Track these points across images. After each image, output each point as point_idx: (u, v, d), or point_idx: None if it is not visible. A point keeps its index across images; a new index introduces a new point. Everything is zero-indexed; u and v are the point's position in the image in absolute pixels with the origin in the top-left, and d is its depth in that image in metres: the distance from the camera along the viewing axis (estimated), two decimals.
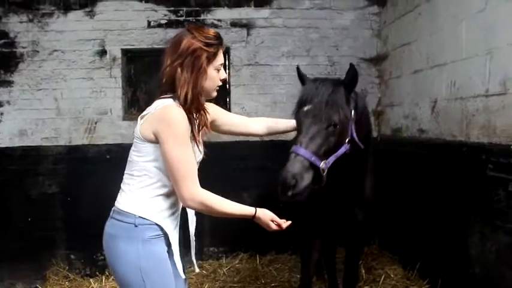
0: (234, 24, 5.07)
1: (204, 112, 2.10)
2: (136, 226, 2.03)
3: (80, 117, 4.92)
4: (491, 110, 3.16)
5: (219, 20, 5.05)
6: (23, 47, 4.84)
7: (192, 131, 2.03)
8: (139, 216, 2.04)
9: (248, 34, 5.07)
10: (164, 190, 2.09)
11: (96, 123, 4.94)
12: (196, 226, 2.35)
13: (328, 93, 2.54)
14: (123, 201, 2.12)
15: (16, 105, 4.85)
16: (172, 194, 2.11)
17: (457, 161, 3.52)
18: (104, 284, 4.48)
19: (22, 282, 4.73)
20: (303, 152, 2.34)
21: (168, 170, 1.99)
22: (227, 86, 5.15)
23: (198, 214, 2.27)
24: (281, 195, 2.30)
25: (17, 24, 4.82)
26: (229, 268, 4.64)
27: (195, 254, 2.37)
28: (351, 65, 2.66)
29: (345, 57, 5.14)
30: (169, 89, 2.04)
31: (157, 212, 2.08)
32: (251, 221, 2.12)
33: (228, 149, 4.45)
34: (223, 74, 2.13)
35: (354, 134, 2.57)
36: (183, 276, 2.16)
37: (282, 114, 4.96)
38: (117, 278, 2.13)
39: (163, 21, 5.00)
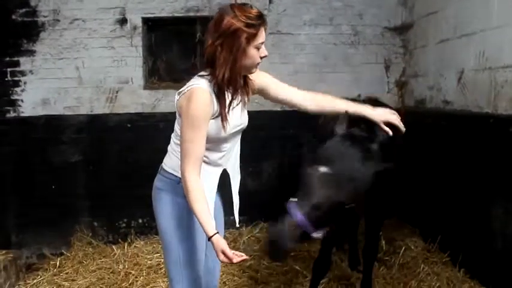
0: None
1: (242, 90, 2.17)
2: (178, 183, 2.17)
3: (101, 87, 4.93)
4: None
5: None
6: (44, 16, 4.83)
7: (221, 109, 2.08)
8: (180, 177, 2.16)
9: (270, 2, 4.96)
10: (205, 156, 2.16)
11: (117, 92, 4.95)
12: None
13: (350, 163, 2.22)
14: (168, 162, 2.29)
15: (38, 75, 4.88)
16: (209, 159, 2.20)
17: (482, 133, 3.44)
18: (126, 250, 4.56)
19: (48, 248, 4.86)
20: (300, 219, 2.16)
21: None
22: None
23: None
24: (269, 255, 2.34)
25: None
26: (249, 237, 4.69)
27: (238, 210, 2.42)
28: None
29: (368, 26, 5.02)
30: (209, 66, 2.09)
31: None
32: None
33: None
34: (263, 52, 2.12)
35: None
36: (215, 231, 2.18)
37: (304, 84, 4.88)
38: (158, 228, 2.32)
39: None
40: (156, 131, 4.84)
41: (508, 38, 3.19)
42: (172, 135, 2.30)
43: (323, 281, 3.57)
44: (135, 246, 4.68)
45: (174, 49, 5.23)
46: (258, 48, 2.08)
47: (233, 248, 4.34)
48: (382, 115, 2.36)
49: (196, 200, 2.04)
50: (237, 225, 2.47)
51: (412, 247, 4.29)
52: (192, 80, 2.13)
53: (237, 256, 2.00)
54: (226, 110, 2.10)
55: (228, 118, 2.11)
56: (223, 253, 1.99)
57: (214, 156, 2.22)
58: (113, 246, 4.68)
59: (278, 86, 2.45)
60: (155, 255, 4.39)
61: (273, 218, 4.98)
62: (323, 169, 2.21)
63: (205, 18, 4.98)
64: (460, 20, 3.86)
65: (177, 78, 5.13)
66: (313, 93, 2.49)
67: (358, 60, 5.01)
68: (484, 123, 3.41)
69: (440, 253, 4.10)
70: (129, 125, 4.95)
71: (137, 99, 4.96)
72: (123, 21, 4.91)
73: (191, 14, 4.95)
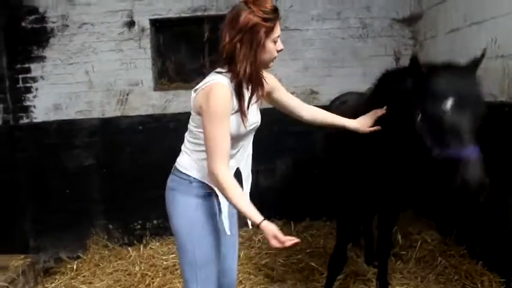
0: None
1: (262, 86, 2.17)
2: (191, 182, 2.21)
3: (111, 90, 4.96)
4: None
5: None
6: (53, 22, 4.86)
7: (240, 105, 2.08)
8: (193, 177, 2.21)
9: None
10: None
11: (127, 94, 4.97)
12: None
13: (473, 85, 2.26)
14: (181, 162, 2.28)
15: (50, 80, 4.92)
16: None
17: (497, 122, 3.38)
18: (141, 252, 4.59)
19: (65, 251, 4.92)
20: (477, 152, 2.20)
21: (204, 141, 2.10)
22: None
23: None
24: (474, 200, 2.21)
25: None
26: (263, 235, 4.67)
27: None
28: (484, 50, 2.39)
29: (376, 18, 4.97)
30: (227, 63, 2.08)
31: (205, 173, 2.18)
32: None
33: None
34: (280, 46, 2.12)
35: None
36: (228, 233, 2.28)
37: (314, 79, 4.89)
38: (172, 228, 2.31)
39: None
40: (167, 131, 4.87)
41: None
42: (186, 134, 2.30)
43: (339, 277, 3.54)
44: (150, 247, 4.71)
45: (182, 50, 5.23)
46: (274, 42, 2.09)
47: (248, 246, 4.39)
48: (363, 124, 2.54)
49: (234, 194, 2.03)
50: (250, 226, 2.45)
51: (429, 240, 4.25)
52: (208, 76, 2.13)
53: (289, 240, 1.98)
54: (246, 105, 2.11)
55: (247, 114, 2.12)
56: (275, 238, 1.99)
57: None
58: (129, 248, 4.71)
59: (281, 90, 2.51)
60: (171, 256, 4.40)
61: (286, 216, 4.94)
62: (457, 102, 2.15)
63: (212, 17, 4.99)
64: (470, 8, 3.80)
65: (187, 78, 5.14)
66: (306, 105, 2.62)
67: (367, 53, 4.96)
68: (498, 112, 3.35)
69: (458, 246, 4.05)
70: (140, 127, 4.97)
71: (147, 101, 4.98)
72: (131, 24, 4.92)
73: (198, 13, 4.94)
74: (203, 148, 2.14)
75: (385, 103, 2.53)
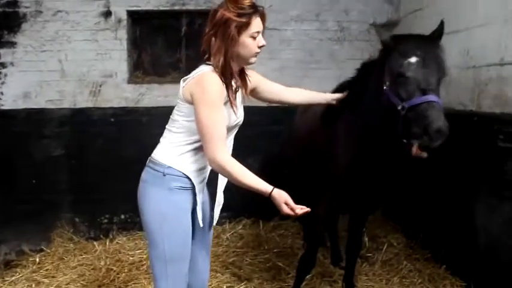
0: None
1: (238, 77, 2.22)
2: (164, 175, 2.19)
3: (84, 80, 4.85)
4: (505, 79, 3.08)
5: None
6: (26, 7, 4.72)
7: (228, 96, 2.14)
8: (169, 166, 2.19)
9: None
10: (197, 145, 2.20)
11: (101, 86, 4.87)
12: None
13: (435, 47, 2.49)
14: (158, 152, 2.27)
15: (20, 67, 4.77)
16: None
17: (466, 131, 3.46)
18: (108, 246, 4.50)
19: (27, 244, 4.75)
20: (440, 102, 2.32)
21: (198, 131, 2.12)
22: None
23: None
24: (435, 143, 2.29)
25: None
26: (232, 233, 4.66)
27: (220, 209, 2.43)
28: (442, 21, 2.62)
29: (354, 22, 5.02)
30: (207, 55, 2.19)
31: (187, 164, 2.21)
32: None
33: None
34: (261, 41, 2.16)
35: None
36: (201, 225, 2.30)
37: (290, 79, 4.87)
38: (143, 222, 2.29)
39: None
40: (139, 125, 4.81)
41: (492, 36, 3.21)
42: (168, 125, 2.29)
43: (306, 278, 3.56)
44: (117, 242, 4.63)
45: (159, 43, 5.16)
46: (253, 38, 2.13)
47: (216, 244, 4.37)
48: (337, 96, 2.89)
49: (242, 175, 2.08)
50: (214, 223, 2.46)
51: (395, 244, 4.32)
52: (198, 68, 2.19)
53: (300, 208, 2.07)
54: (234, 95, 2.17)
55: (235, 103, 2.17)
56: (286, 204, 2.05)
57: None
58: (95, 243, 4.61)
59: (267, 83, 2.62)
60: (137, 252, 4.34)
61: (255, 215, 4.92)
62: (420, 58, 2.39)
63: (190, 12, 4.94)
64: (445, 18, 3.84)
65: (162, 72, 5.09)
66: (292, 88, 2.79)
67: (344, 56, 4.99)
68: (468, 121, 3.43)
69: (423, 250, 4.13)
70: (112, 119, 4.88)
71: (121, 93, 4.89)
72: (107, 14, 4.83)
73: (177, 7, 4.89)
74: (192, 137, 2.18)
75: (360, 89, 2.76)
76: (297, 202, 2.09)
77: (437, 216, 3.93)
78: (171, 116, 2.29)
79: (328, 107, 2.95)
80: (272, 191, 2.08)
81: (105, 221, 4.93)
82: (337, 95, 2.89)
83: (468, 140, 3.42)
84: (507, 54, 3.06)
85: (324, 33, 4.99)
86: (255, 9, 2.12)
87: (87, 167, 4.86)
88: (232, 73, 2.15)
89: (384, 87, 2.48)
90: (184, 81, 2.18)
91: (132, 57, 5.03)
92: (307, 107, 3.42)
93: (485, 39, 3.30)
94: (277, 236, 4.60)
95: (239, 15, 2.08)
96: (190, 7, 4.88)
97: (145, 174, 2.29)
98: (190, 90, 2.12)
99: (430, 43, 2.50)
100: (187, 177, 2.21)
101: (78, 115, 4.84)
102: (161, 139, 2.32)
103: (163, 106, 4.85)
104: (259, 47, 2.16)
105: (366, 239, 4.32)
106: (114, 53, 4.85)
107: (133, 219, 4.86)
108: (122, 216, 4.94)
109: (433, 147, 2.30)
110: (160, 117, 4.78)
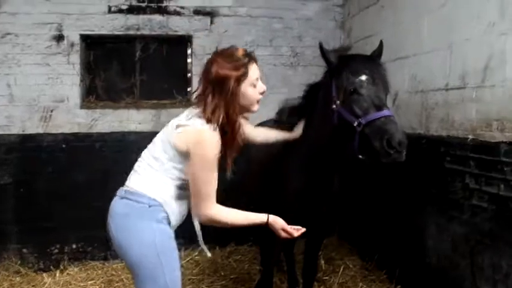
0: (197, 12, 4.96)
1: (239, 133, 2.19)
2: (150, 206, 2.12)
3: (34, 105, 4.70)
4: (451, 103, 3.21)
5: (181, 7, 4.93)
6: None
7: (224, 154, 2.13)
8: (153, 199, 2.13)
9: (211, 22, 4.98)
10: (178, 183, 2.18)
11: (52, 111, 4.74)
12: None
13: (376, 64, 2.63)
14: (138, 183, 2.18)
15: None
16: (185, 189, 2.20)
17: (416, 153, 3.56)
18: (57, 278, 4.30)
19: None
20: (394, 116, 2.41)
21: (190, 185, 2.13)
22: (189, 74, 5.05)
23: None
24: (398, 157, 2.34)
25: None
26: (187, 260, 4.57)
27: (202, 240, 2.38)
28: (381, 41, 2.77)
29: (308, 48, 5.13)
30: (204, 111, 2.11)
31: (168, 198, 2.16)
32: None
33: None
34: (261, 87, 2.17)
35: None
36: (209, 255, 2.40)
37: None
38: (131, 258, 2.15)
39: (124, 7, 4.84)
40: (92, 152, 4.68)
41: (437, 62, 3.36)
42: (151, 161, 2.19)
43: None
44: (68, 273, 4.44)
45: (113, 67, 5.10)
46: (254, 86, 2.13)
47: None
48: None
49: (232, 219, 2.17)
50: (208, 254, 2.43)
51: (351, 266, 4.36)
52: (189, 114, 2.13)
53: (296, 230, 2.20)
54: (229, 153, 2.17)
55: (229, 161, 2.18)
56: (284, 230, 2.17)
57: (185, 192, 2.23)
58: (44, 274, 4.39)
59: (251, 127, 2.70)
60: (89, 282, 4.19)
61: (211, 241, 4.88)
62: (368, 76, 2.52)
63: (145, 36, 4.93)
64: (394, 44, 4.02)
65: (116, 97, 5.02)
66: (257, 128, 2.85)
67: (298, 81, 5.03)
68: (417, 144, 3.54)
69: (378, 271, 4.18)
70: (63, 145, 4.73)
71: (73, 118, 4.77)
72: (59, 38, 4.74)
73: (131, 32, 4.86)
74: (173, 177, 2.15)
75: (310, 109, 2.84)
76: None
77: (391, 237, 4.00)
78: (152, 150, 2.20)
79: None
80: (268, 219, 2.17)
81: (56, 251, 4.72)
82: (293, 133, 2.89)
83: (418, 162, 3.52)
84: (451, 80, 3.20)
85: (278, 59, 5.08)
86: (250, 57, 2.13)
87: (37, 195, 4.66)
88: (234, 128, 2.12)
89: (334, 106, 2.53)
90: (178, 127, 2.10)
91: (85, 82, 4.94)
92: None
93: (432, 65, 3.44)
94: (233, 261, 4.55)
95: (236, 68, 2.06)
96: (145, 32, 4.87)
97: (125, 207, 2.16)
98: (186, 143, 2.06)
99: (374, 62, 2.64)
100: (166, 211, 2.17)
101: (27, 141, 4.67)
102: (139, 170, 2.22)
103: (117, 131, 4.78)
104: (261, 93, 2.17)
105: (322, 261, 4.34)
106: (66, 77, 4.75)
107: (85, 248, 4.70)
108: (74, 246, 4.75)
109: (396, 161, 2.35)
110: (114, 142, 4.79)
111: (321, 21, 5.19)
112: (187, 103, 4.99)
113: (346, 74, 2.51)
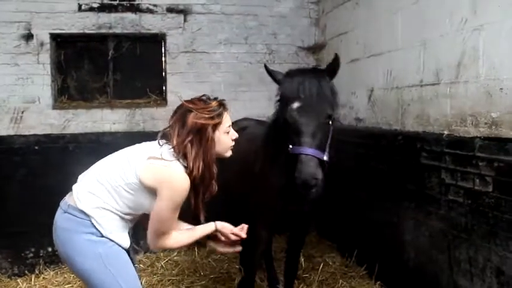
0: (171, 9, 4.90)
1: (215, 181, 2.27)
2: (91, 223, 2.12)
3: (4, 106, 4.58)
4: (425, 99, 3.24)
5: (154, 5, 4.86)
6: None
7: (195, 200, 2.20)
8: (99, 223, 2.12)
9: (185, 20, 4.92)
10: (129, 217, 2.21)
11: (23, 112, 4.62)
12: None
13: (315, 85, 2.57)
14: (84, 202, 2.13)
15: None
16: (134, 219, 2.26)
17: (392, 149, 3.60)
18: (33, 283, 4.21)
19: None
20: (311, 152, 2.44)
21: (150, 220, 2.16)
22: (163, 73, 4.99)
23: None
24: (305, 194, 2.47)
25: None
26: (167, 261, 4.51)
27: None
28: (336, 55, 2.72)
29: (283, 45, 5.14)
30: (181, 157, 2.15)
31: (113, 228, 2.16)
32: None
33: None
34: (233, 134, 2.28)
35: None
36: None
37: None
38: (77, 270, 2.16)
39: (95, 5, 4.74)
40: (65, 153, 4.58)
41: (411, 58, 3.38)
42: (100, 178, 2.16)
43: None
44: (43, 277, 4.34)
45: (85, 67, 5.00)
46: (227, 133, 2.23)
47: (150, 273, 4.22)
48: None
49: (183, 240, 2.25)
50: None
51: (331, 263, 4.37)
52: (161, 147, 2.15)
53: (241, 230, 2.31)
54: (200, 200, 2.22)
55: (201, 209, 2.24)
56: (233, 233, 2.29)
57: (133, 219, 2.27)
58: (18, 280, 4.29)
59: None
60: (66, 286, 4.10)
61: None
62: (297, 104, 2.54)
63: (117, 35, 4.84)
64: (369, 41, 4.05)
65: (89, 97, 4.92)
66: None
67: None
68: (393, 140, 3.57)
69: (358, 267, 4.20)
70: (36, 147, 4.62)
71: (45, 119, 4.66)
72: (28, 37, 4.63)
73: (103, 31, 4.77)
74: (123, 208, 2.15)
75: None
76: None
77: (370, 233, 4.03)
78: (107, 173, 2.16)
79: (267, 131, 2.98)
80: (216, 227, 2.28)
81: (31, 255, 4.61)
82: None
83: (394, 158, 3.56)
84: (426, 76, 3.23)
85: (253, 56, 5.07)
86: (223, 106, 2.22)
87: (9, 198, 4.54)
88: (211, 175, 2.21)
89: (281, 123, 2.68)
90: (148, 159, 2.10)
91: (56, 82, 4.83)
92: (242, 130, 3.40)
93: (406, 61, 3.47)
94: (213, 261, 4.51)
95: (212, 117, 2.15)
96: (117, 31, 4.79)
97: (67, 222, 2.13)
98: (155, 183, 2.07)
99: (318, 81, 2.61)
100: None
101: None
102: (87, 188, 2.15)
103: (91, 132, 4.69)
104: (233, 140, 2.27)
105: (302, 259, 4.32)
106: (36, 77, 4.64)
107: None
108: (49, 249, 4.63)
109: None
110: (87, 143, 4.69)
111: (296, 19, 5.19)
112: (161, 102, 4.94)
113: (283, 98, 2.62)
